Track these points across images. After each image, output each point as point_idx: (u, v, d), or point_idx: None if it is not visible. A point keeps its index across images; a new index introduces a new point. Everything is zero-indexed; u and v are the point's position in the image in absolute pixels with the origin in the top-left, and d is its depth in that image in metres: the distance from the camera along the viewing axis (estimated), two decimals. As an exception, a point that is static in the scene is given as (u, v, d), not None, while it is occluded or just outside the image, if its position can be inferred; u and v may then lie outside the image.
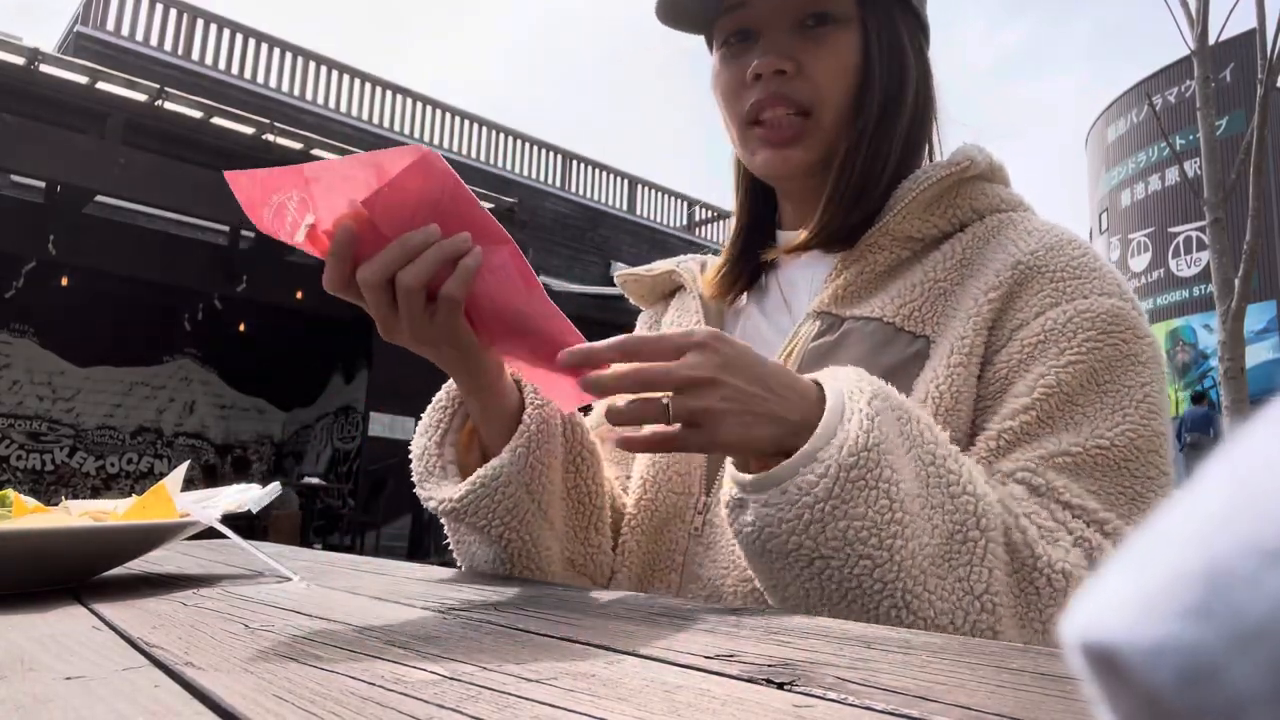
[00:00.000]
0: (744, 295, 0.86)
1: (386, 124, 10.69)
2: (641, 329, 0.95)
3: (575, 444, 0.74)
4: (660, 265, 0.92)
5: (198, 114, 5.92)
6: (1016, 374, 0.66)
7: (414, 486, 0.72)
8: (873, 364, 0.69)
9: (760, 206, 0.87)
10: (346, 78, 10.51)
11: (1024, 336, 0.67)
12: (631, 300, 0.97)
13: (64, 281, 7.69)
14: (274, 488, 0.75)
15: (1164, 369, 0.68)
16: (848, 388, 0.56)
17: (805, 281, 0.80)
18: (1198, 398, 14.95)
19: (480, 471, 0.67)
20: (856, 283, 0.74)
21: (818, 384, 0.58)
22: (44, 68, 5.39)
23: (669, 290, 0.93)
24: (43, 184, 6.58)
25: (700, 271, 0.89)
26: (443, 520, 0.71)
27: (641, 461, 0.80)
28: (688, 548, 0.74)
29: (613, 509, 0.79)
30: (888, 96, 0.75)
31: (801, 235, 0.78)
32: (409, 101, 11.01)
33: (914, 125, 0.77)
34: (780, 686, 0.29)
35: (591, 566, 0.76)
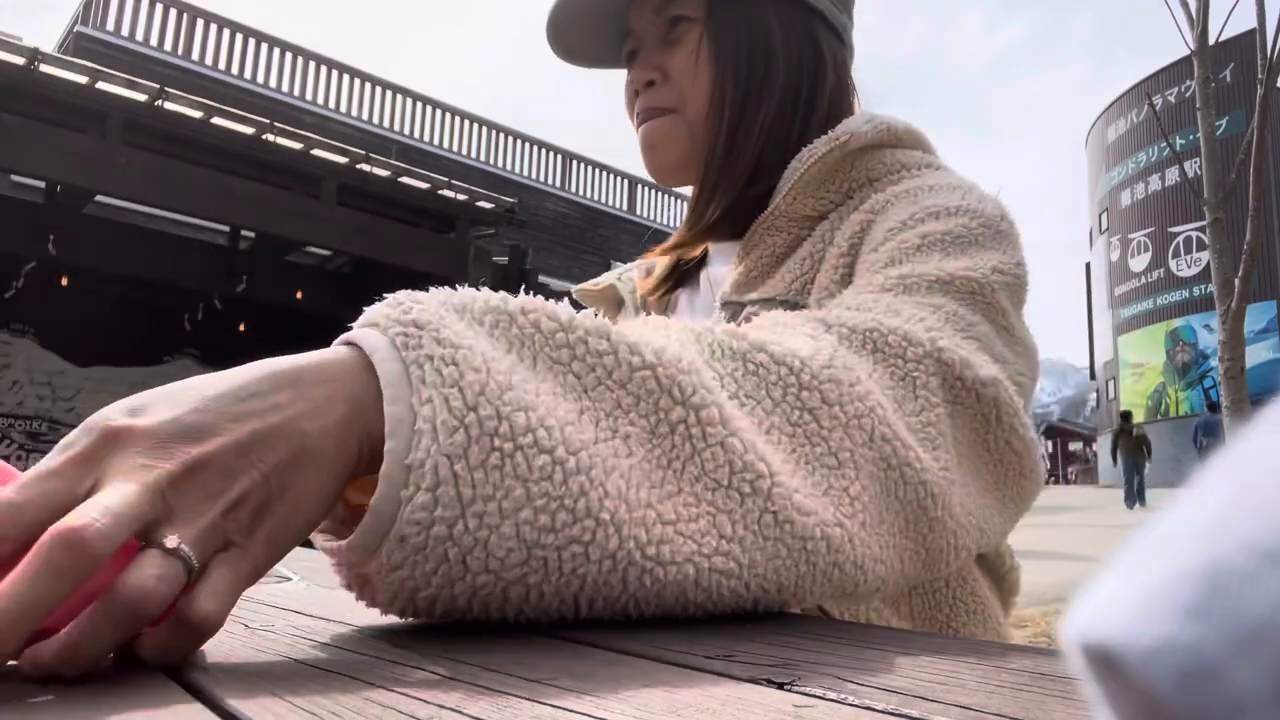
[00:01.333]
0: (679, 292, 0.87)
1: (386, 124, 10.70)
2: None
3: None
4: (605, 278, 0.93)
5: (198, 114, 5.91)
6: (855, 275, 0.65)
7: None
8: None
9: None
10: (346, 78, 10.51)
11: (868, 248, 0.65)
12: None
13: (64, 281, 7.69)
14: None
15: (1021, 282, 0.62)
16: (389, 333, 0.36)
17: (726, 274, 0.81)
18: (1213, 406, 15.02)
19: None
20: (758, 267, 0.74)
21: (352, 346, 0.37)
22: (44, 67, 5.39)
23: (619, 301, 0.93)
24: (43, 184, 6.58)
25: (644, 277, 0.90)
26: None
27: None
28: None
29: None
30: (746, 89, 0.75)
31: (676, 236, 0.80)
32: (409, 101, 11.02)
33: (790, 110, 0.76)
34: (780, 686, 0.29)
35: None
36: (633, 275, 0.91)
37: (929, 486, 0.47)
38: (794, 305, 0.70)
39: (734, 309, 0.74)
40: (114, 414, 0.32)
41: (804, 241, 0.73)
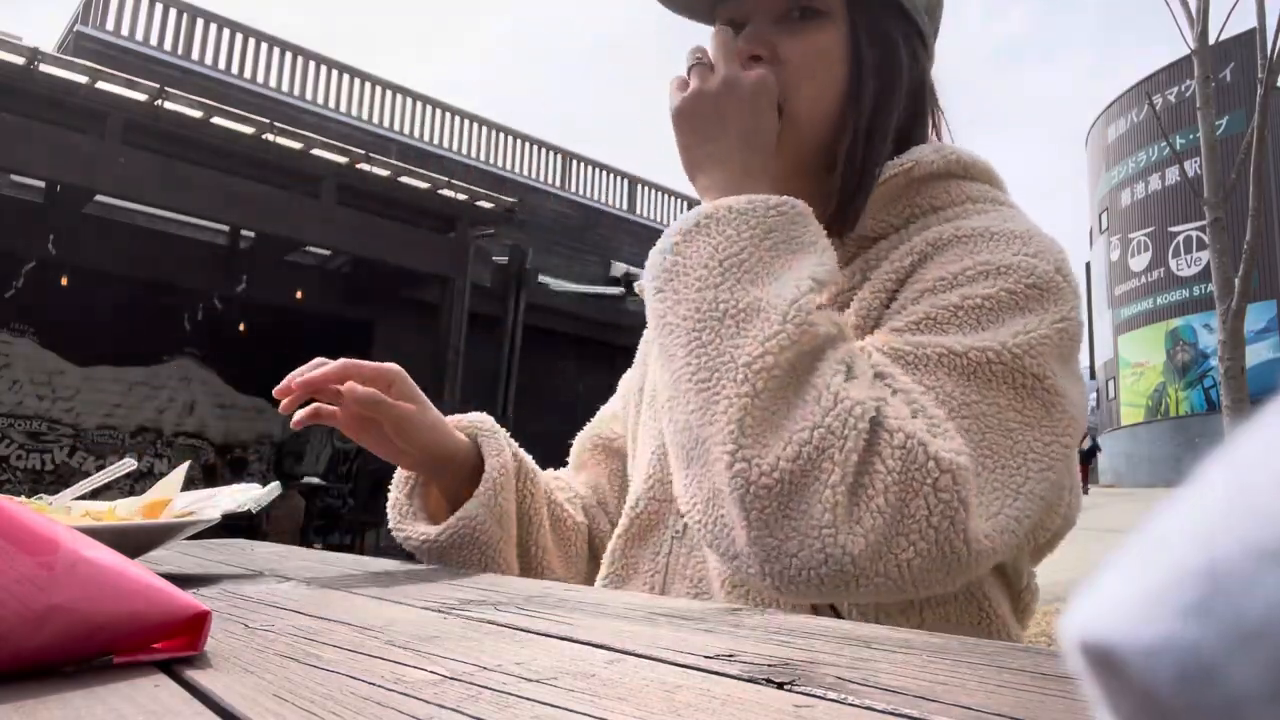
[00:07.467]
0: None
1: (386, 124, 10.69)
2: (644, 343, 0.95)
3: (522, 476, 0.87)
4: None
5: (198, 114, 5.91)
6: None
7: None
8: None
9: None
10: (346, 78, 10.51)
11: (914, 286, 0.65)
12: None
13: (64, 281, 7.69)
14: (274, 488, 0.75)
15: (1064, 335, 0.62)
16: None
17: None
18: None
19: (458, 514, 0.79)
20: None
21: None
22: (44, 67, 5.39)
23: None
24: (43, 184, 6.58)
25: None
26: (419, 555, 0.82)
27: (638, 479, 0.83)
28: (671, 549, 0.77)
29: (561, 519, 0.89)
30: (880, 92, 0.75)
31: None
32: (409, 101, 11.01)
33: (904, 124, 0.76)
34: (780, 686, 0.29)
35: (534, 568, 0.86)
36: None
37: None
38: None
39: None
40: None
41: (855, 259, 0.73)
